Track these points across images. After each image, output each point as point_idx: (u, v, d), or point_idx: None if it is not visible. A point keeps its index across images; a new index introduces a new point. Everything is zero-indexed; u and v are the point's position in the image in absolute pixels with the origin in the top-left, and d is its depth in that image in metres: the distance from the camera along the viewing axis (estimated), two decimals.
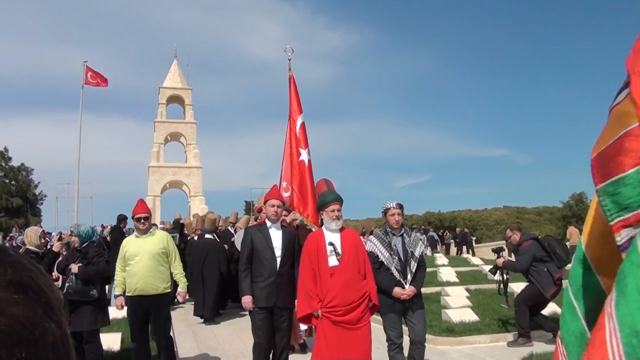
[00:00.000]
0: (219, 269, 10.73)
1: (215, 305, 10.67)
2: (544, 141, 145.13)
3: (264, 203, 6.05)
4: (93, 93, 26.60)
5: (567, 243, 24.89)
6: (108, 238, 13.04)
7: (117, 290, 6.40)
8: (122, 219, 12.59)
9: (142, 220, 6.40)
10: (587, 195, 62.98)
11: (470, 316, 9.22)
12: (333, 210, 5.24)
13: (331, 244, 5.16)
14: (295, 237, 6.07)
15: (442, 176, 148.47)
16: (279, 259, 5.71)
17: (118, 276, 6.36)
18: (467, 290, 12.57)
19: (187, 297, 6.80)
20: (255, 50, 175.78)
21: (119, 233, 12.29)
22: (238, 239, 9.80)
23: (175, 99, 46.91)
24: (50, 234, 26.62)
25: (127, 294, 6.28)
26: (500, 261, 8.20)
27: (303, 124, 8.37)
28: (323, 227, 5.44)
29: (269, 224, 5.89)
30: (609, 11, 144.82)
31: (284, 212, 7.38)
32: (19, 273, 0.60)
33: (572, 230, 25.26)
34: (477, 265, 19.75)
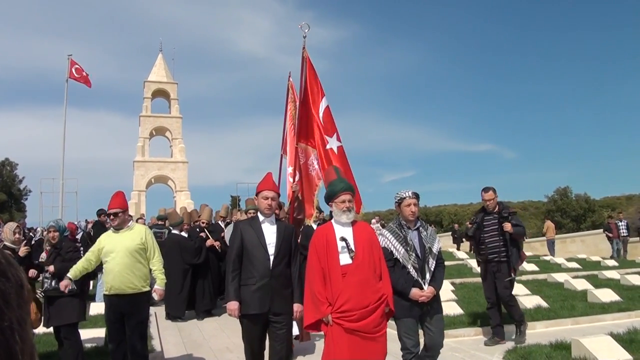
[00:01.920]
0: (183, 265, 10.37)
1: (180, 303, 10.28)
2: (530, 136, 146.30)
3: (256, 194, 5.25)
4: (78, 87, 26.44)
5: (544, 237, 25.09)
6: (92, 233, 12.92)
7: (70, 274, 5.84)
8: (101, 213, 12.53)
9: (112, 217, 6.02)
10: (571, 190, 63.65)
11: (455, 309, 9.24)
12: (343, 201, 4.61)
13: (343, 239, 4.51)
14: (292, 233, 5.27)
15: (429, 171, 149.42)
16: (272, 257, 4.96)
17: (79, 265, 5.90)
18: (452, 283, 12.60)
19: (163, 295, 6.37)
20: (243, 45, 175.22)
21: (100, 227, 12.21)
22: (228, 234, 9.60)
23: (160, 93, 46.68)
24: (34, 229, 26.40)
25: (104, 292, 5.99)
26: (508, 226, 7.34)
27: (327, 108, 7.42)
28: (332, 221, 4.77)
29: (261, 217, 5.13)
30: (596, 9, 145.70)
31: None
32: None
33: (548, 224, 25.28)
34: (462, 259, 19.84)
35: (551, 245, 24.13)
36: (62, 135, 25.31)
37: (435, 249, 5.12)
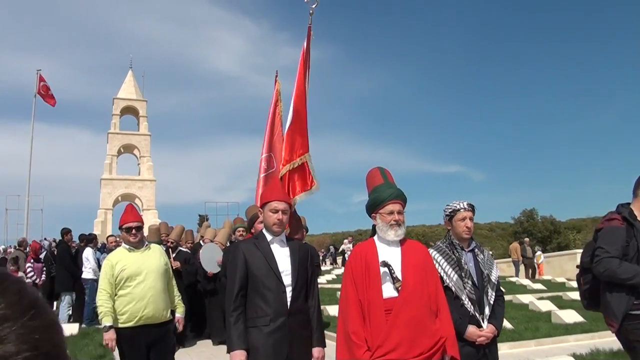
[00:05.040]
0: None
1: None
2: (498, 159, 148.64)
3: (261, 206, 4.03)
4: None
5: (510, 259, 25.32)
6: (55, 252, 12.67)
7: (105, 321, 4.79)
8: (66, 232, 12.27)
9: (134, 231, 4.99)
10: (537, 212, 64.58)
11: None
12: (392, 213, 3.51)
13: (386, 264, 3.43)
14: (308, 255, 4.07)
15: None
16: (289, 290, 3.80)
17: (107, 303, 4.80)
18: None
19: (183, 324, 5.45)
20: (216, 63, 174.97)
21: (63, 248, 11.97)
22: (204, 256, 9.06)
23: (129, 110, 46.34)
24: None
25: (125, 324, 4.80)
26: None
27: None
28: (375, 238, 3.67)
29: (269, 236, 3.93)
30: (561, 34, 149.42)
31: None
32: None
33: (512, 246, 25.54)
34: None
35: (516, 265, 24.38)
36: (28, 151, 24.96)
37: (494, 277, 4.03)
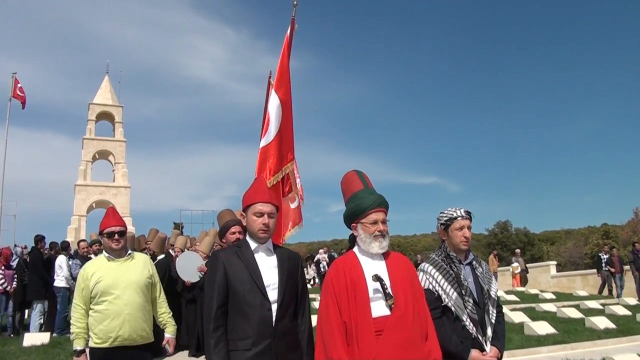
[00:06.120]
0: None
1: None
2: (473, 171, 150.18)
3: (244, 209, 3.46)
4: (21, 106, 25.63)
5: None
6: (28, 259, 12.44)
7: (77, 344, 4.22)
8: (39, 239, 12.05)
9: (116, 236, 4.33)
10: (511, 224, 65.39)
11: None
12: (375, 222, 3.16)
13: (378, 278, 3.05)
14: (298, 265, 3.51)
15: None
16: (275, 307, 3.22)
17: (79, 323, 4.23)
18: None
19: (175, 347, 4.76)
20: (194, 71, 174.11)
21: (36, 255, 11.74)
22: (180, 265, 8.95)
23: (105, 116, 45.95)
24: None
25: (98, 344, 4.15)
26: None
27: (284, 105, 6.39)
28: (356, 250, 3.28)
29: (253, 244, 3.37)
30: (540, 42, 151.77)
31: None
32: None
33: (490, 258, 25.81)
34: None
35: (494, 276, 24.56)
36: (2, 156, 24.59)
37: (494, 293, 3.61)
